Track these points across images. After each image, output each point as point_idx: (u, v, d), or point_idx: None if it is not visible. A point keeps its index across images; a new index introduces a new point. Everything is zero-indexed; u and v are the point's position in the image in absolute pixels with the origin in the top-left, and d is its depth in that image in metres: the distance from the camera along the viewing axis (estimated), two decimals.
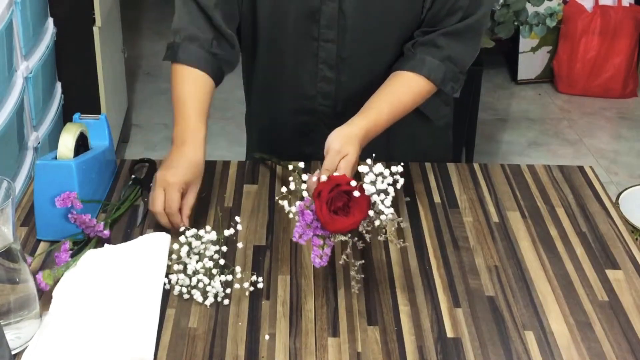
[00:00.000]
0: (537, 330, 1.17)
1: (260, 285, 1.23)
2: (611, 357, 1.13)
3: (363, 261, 1.20)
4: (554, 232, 1.39)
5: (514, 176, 1.54)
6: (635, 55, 3.81)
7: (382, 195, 1.15)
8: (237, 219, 1.25)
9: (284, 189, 1.19)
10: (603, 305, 1.22)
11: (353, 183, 1.15)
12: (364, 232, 1.17)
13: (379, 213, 1.16)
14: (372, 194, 1.15)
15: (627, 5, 3.76)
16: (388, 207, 1.15)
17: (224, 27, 1.42)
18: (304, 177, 1.23)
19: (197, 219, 1.36)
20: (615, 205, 1.57)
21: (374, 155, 1.20)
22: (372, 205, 1.16)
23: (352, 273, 1.17)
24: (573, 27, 3.76)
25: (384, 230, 1.16)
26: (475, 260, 1.31)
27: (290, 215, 1.18)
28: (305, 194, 1.19)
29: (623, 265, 1.31)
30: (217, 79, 1.43)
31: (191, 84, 1.40)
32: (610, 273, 1.29)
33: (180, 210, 1.30)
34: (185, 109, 1.37)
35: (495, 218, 1.42)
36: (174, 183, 1.29)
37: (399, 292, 1.23)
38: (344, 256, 1.17)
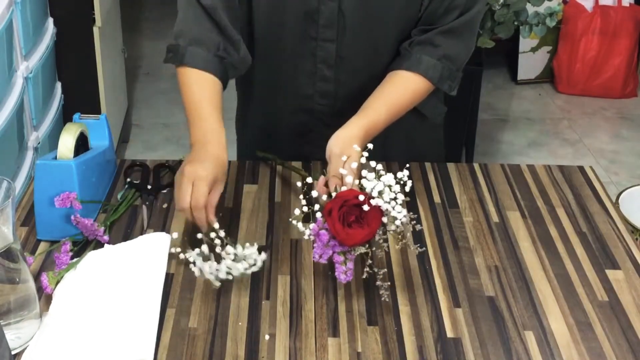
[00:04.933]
0: (537, 330, 1.17)
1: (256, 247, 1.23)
2: (611, 357, 1.13)
3: (386, 269, 1.19)
4: (554, 232, 1.39)
5: (514, 176, 1.54)
6: (635, 55, 3.81)
7: (393, 202, 1.13)
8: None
9: (297, 211, 1.16)
10: (603, 305, 1.22)
11: (361, 197, 1.13)
12: (381, 240, 1.16)
13: (392, 219, 1.14)
14: (382, 204, 1.13)
15: (627, 5, 3.76)
16: (400, 212, 1.13)
17: (229, 30, 1.40)
18: (308, 179, 1.23)
19: None
20: (615, 205, 1.57)
21: (377, 165, 1.17)
22: (384, 212, 1.14)
23: (379, 282, 1.16)
24: (573, 27, 3.75)
25: (400, 236, 1.15)
26: (475, 260, 1.31)
27: (305, 237, 1.16)
28: (318, 215, 1.16)
29: (623, 265, 1.31)
30: (224, 82, 1.41)
31: (203, 87, 1.37)
32: (610, 273, 1.29)
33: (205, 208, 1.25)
34: (202, 111, 1.34)
35: (495, 218, 1.42)
36: (204, 176, 1.24)
37: (399, 292, 1.23)
38: (366, 269, 1.16)
